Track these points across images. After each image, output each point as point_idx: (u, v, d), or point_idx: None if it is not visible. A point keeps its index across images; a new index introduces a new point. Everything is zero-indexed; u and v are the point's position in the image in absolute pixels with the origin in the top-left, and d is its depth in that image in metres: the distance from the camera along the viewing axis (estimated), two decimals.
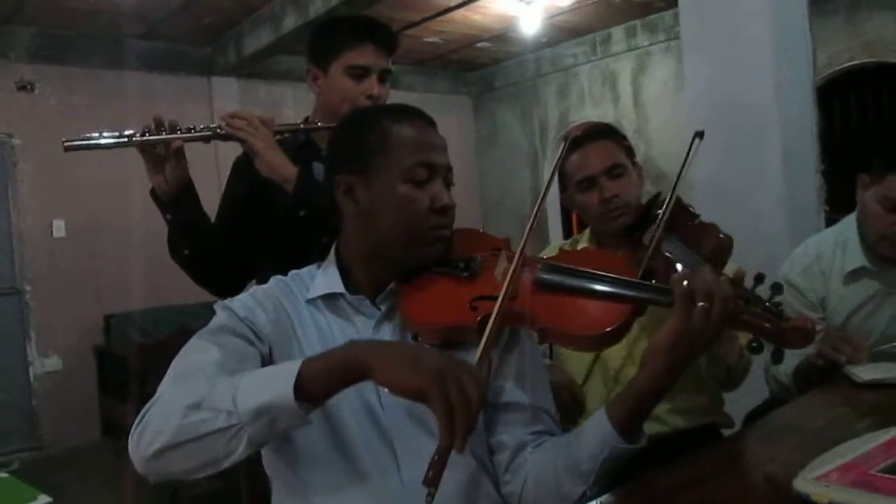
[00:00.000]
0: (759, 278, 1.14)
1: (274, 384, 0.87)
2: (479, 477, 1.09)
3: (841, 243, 1.86)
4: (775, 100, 2.41)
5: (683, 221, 1.61)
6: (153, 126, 1.55)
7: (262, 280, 1.24)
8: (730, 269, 1.29)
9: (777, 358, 1.11)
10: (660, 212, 1.61)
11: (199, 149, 1.66)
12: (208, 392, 0.89)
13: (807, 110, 2.52)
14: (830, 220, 2.27)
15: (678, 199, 1.61)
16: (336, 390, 0.90)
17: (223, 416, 0.87)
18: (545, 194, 1.30)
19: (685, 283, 1.00)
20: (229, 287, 1.80)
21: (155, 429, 0.90)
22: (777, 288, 1.12)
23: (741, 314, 1.03)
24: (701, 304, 0.98)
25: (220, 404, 0.87)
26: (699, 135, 1.61)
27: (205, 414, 0.88)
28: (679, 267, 1.48)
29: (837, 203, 2.79)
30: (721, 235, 1.57)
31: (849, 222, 1.89)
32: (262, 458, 1.13)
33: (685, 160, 1.61)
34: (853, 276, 1.82)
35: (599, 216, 1.70)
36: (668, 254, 1.52)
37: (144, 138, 1.55)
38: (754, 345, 1.06)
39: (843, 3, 5.25)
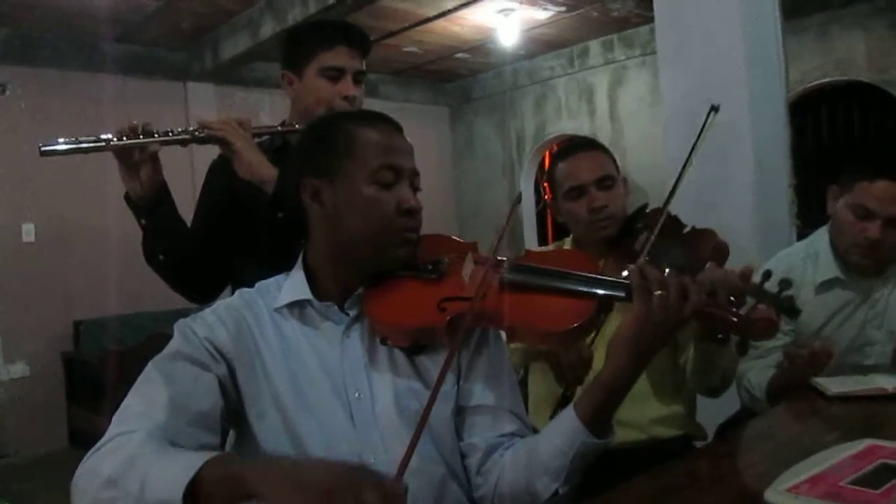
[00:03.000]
0: (767, 275, 1.16)
1: (172, 480, 0.83)
2: (447, 483, 1.08)
3: (812, 255, 1.89)
4: (748, 115, 2.44)
5: (674, 230, 1.64)
6: (129, 131, 1.54)
7: (241, 283, 1.23)
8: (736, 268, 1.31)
9: (742, 350, 1.12)
10: (640, 225, 1.63)
11: (173, 153, 1.65)
12: (128, 467, 0.88)
13: (779, 126, 2.56)
14: (802, 235, 2.31)
15: (667, 213, 1.63)
16: (226, 501, 0.84)
17: (131, 500, 0.86)
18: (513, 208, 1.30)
19: (641, 273, 1.01)
20: (205, 292, 1.78)
21: (82, 487, 0.91)
22: (786, 283, 1.13)
23: (705, 306, 1.04)
24: (657, 292, 0.99)
25: (131, 487, 0.86)
26: (715, 108, 1.62)
27: (117, 493, 0.87)
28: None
29: (808, 218, 2.83)
30: (718, 240, 1.59)
31: (820, 235, 1.92)
32: None
33: (700, 133, 1.61)
34: (825, 286, 1.85)
35: (587, 225, 1.72)
36: (662, 260, 1.54)
37: (122, 143, 1.53)
38: (720, 336, 1.07)
39: (815, 22, 5.35)
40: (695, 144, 1.60)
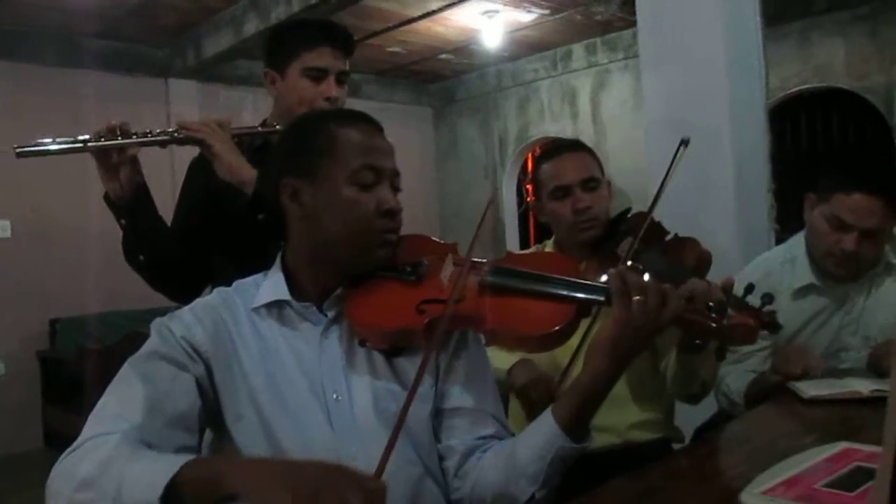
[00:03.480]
0: (749, 288, 1.16)
1: (150, 481, 0.83)
2: (425, 484, 1.08)
3: (789, 261, 1.90)
4: (729, 120, 2.46)
5: (657, 237, 1.64)
6: (107, 131, 1.52)
7: (221, 284, 1.22)
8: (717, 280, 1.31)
9: (720, 355, 1.12)
10: (622, 229, 1.64)
11: (153, 153, 1.63)
12: (104, 469, 0.87)
13: (759, 131, 2.58)
14: (780, 239, 2.33)
15: (651, 217, 1.64)
16: (206, 503, 0.84)
17: (107, 502, 0.85)
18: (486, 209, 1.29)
19: (620, 278, 1.01)
20: (186, 292, 1.76)
21: (56, 489, 0.90)
22: (767, 297, 1.13)
23: (684, 312, 1.04)
24: (636, 297, 0.99)
25: (107, 489, 0.85)
26: (684, 143, 1.63)
27: (93, 494, 0.86)
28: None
29: (787, 222, 2.86)
30: (702, 249, 1.60)
31: (797, 240, 1.93)
32: None
33: (669, 167, 1.62)
34: (801, 292, 1.86)
35: (570, 226, 1.72)
36: (645, 265, 1.55)
37: (99, 143, 1.51)
38: (697, 342, 1.08)
39: (795, 29, 5.41)
40: (666, 177, 1.60)
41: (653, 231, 1.64)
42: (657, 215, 1.68)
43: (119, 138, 1.52)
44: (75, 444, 0.94)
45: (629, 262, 1.52)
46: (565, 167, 1.73)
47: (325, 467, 0.82)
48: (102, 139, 1.51)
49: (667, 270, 1.51)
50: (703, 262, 1.56)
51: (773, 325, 1.28)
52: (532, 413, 1.61)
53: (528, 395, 1.59)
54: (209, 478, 0.83)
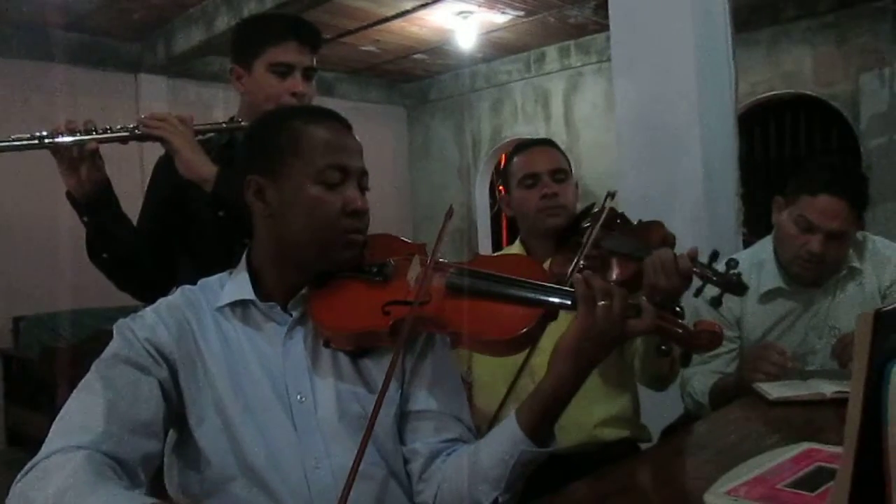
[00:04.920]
0: (714, 255, 1.17)
1: None
2: (389, 487, 1.07)
3: (757, 264, 1.93)
4: (698, 124, 2.49)
5: (622, 223, 1.68)
6: (65, 128, 1.49)
7: (187, 283, 1.20)
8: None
9: (685, 361, 1.14)
10: (586, 224, 1.66)
11: (123, 149, 1.61)
12: (60, 496, 0.85)
13: (728, 136, 2.62)
14: (748, 243, 2.36)
15: (612, 209, 1.66)
16: None
17: None
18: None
19: (586, 283, 1.02)
20: (152, 291, 1.73)
21: None
22: (733, 262, 1.15)
23: (654, 320, 1.04)
24: (602, 302, 1.00)
25: None
26: (611, 195, 1.66)
27: None
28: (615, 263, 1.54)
29: (755, 227, 2.90)
30: (666, 230, 1.62)
31: (765, 244, 1.96)
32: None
33: (596, 224, 1.61)
34: (768, 295, 1.89)
35: (536, 213, 1.75)
36: (610, 248, 1.59)
37: (57, 140, 1.48)
38: (663, 348, 1.08)
39: (764, 36, 5.49)
40: (590, 234, 1.59)
41: (616, 219, 1.68)
42: (628, 218, 1.70)
43: (78, 134, 1.50)
44: (38, 456, 0.91)
45: (594, 248, 1.55)
46: (535, 158, 1.79)
47: None
48: (61, 135, 1.48)
49: (632, 249, 1.53)
50: (667, 242, 1.58)
51: (739, 287, 1.29)
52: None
53: None
54: None
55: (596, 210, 1.71)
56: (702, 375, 1.81)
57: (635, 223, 1.69)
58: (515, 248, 1.87)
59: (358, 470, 0.84)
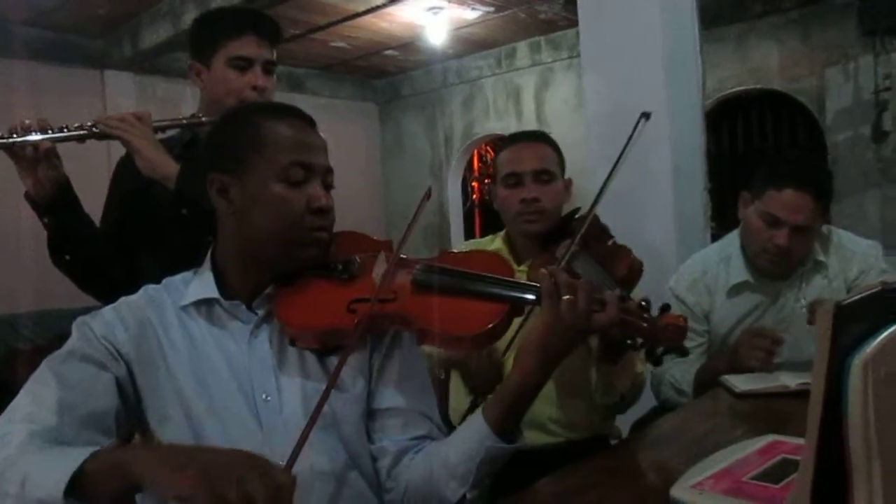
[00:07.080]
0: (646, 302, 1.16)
1: (54, 475, 0.80)
2: (354, 483, 1.06)
3: (725, 258, 1.94)
4: (667, 118, 2.50)
5: (600, 240, 1.65)
6: (19, 127, 1.45)
7: (152, 282, 1.18)
8: (636, 295, 1.32)
9: (651, 358, 1.13)
10: (572, 229, 1.64)
11: (89, 147, 1.57)
12: (7, 465, 0.84)
13: (695, 130, 2.64)
14: (716, 236, 2.38)
15: (596, 218, 1.64)
16: (112, 494, 0.82)
17: (11, 501, 0.82)
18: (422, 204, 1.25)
19: (550, 277, 1.02)
20: (115, 292, 1.70)
21: None
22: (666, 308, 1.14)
23: (620, 314, 1.04)
24: (566, 297, 1.00)
25: (10, 487, 0.82)
26: (646, 115, 1.63)
27: None
28: None
29: (723, 221, 2.93)
30: (633, 259, 1.61)
31: (732, 238, 1.97)
32: None
33: (629, 138, 1.61)
34: (736, 289, 1.90)
35: (515, 216, 1.71)
36: (578, 271, 1.55)
37: (10, 140, 1.44)
38: (629, 343, 1.08)
39: (732, 32, 5.55)
40: (623, 151, 1.60)
41: (598, 235, 1.65)
42: (600, 211, 1.69)
43: (34, 133, 1.46)
44: None
45: (564, 265, 1.53)
46: (521, 156, 1.73)
47: (234, 453, 0.80)
48: (14, 135, 1.45)
49: (597, 281, 1.52)
50: (633, 272, 1.58)
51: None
52: (474, 385, 1.60)
53: (468, 366, 1.59)
54: (113, 467, 0.80)
55: (579, 216, 1.70)
56: (680, 365, 1.82)
57: (611, 241, 1.66)
58: (498, 241, 1.83)
59: (297, 458, 0.85)
